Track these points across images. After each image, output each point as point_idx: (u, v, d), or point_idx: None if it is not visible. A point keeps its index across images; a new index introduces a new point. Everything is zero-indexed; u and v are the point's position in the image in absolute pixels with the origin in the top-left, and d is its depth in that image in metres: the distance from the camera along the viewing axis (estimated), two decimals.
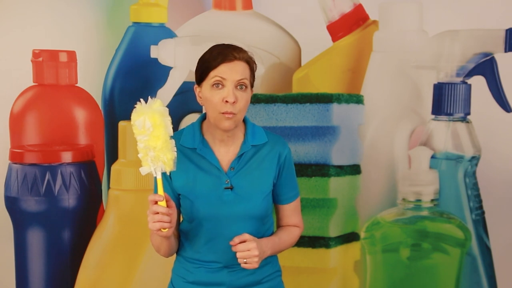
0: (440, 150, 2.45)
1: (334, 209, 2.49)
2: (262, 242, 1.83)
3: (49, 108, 2.73)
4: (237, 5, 3.01)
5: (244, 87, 1.81)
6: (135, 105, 1.72)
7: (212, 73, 1.80)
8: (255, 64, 1.86)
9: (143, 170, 1.74)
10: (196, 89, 1.86)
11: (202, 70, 1.82)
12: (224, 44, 1.84)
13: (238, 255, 1.79)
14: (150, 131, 1.70)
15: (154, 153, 1.71)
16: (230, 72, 1.79)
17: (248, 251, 1.78)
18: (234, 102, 1.78)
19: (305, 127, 2.50)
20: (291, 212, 1.95)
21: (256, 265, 1.80)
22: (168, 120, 1.73)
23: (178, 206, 1.90)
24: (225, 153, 1.87)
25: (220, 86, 1.79)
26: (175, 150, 1.74)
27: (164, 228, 1.74)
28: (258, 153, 1.88)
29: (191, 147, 1.87)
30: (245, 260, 1.79)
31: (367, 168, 2.61)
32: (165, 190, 1.80)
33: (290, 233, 1.95)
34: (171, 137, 1.74)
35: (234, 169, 1.86)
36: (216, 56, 1.80)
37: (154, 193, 1.77)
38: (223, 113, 1.79)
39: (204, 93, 1.82)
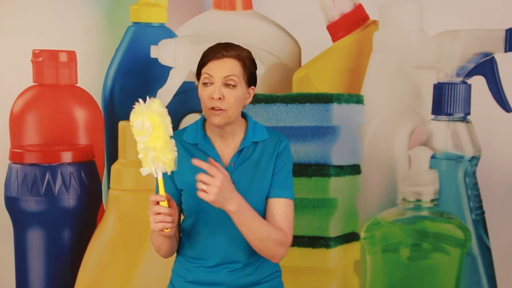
0: (440, 150, 2.45)
1: (334, 209, 2.49)
2: (234, 189, 1.76)
3: (49, 108, 2.73)
4: (237, 5, 3.01)
5: (231, 84, 1.81)
6: (134, 106, 1.72)
7: (203, 71, 1.83)
8: (250, 61, 1.86)
9: (144, 171, 1.74)
10: (198, 87, 1.89)
11: (197, 69, 1.86)
12: (219, 43, 1.87)
13: (202, 177, 1.71)
14: (149, 132, 1.70)
15: (154, 153, 1.71)
16: (218, 69, 1.81)
17: (213, 177, 1.71)
18: (220, 99, 1.80)
19: (305, 127, 2.49)
20: (279, 210, 1.87)
21: (211, 197, 1.71)
22: (168, 120, 1.73)
23: (179, 203, 1.90)
24: (226, 149, 1.88)
25: (209, 84, 1.82)
26: (176, 150, 1.74)
27: (166, 228, 1.74)
28: (259, 150, 1.89)
29: (193, 143, 1.88)
30: (204, 187, 1.71)
31: (367, 168, 2.61)
32: (166, 186, 1.80)
33: (271, 228, 1.83)
34: (171, 137, 1.74)
35: (234, 165, 1.87)
36: (207, 54, 1.84)
37: (155, 194, 1.77)
38: (210, 108, 1.81)
39: (199, 90, 1.85)
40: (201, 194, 1.72)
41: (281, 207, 1.88)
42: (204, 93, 1.82)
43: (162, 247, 1.87)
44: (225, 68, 1.81)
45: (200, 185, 1.72)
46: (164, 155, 1.72)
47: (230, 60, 1.82)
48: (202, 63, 1.84)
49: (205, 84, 1.82)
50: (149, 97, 1.74)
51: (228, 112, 1.81)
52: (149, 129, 1.69)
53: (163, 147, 1.71)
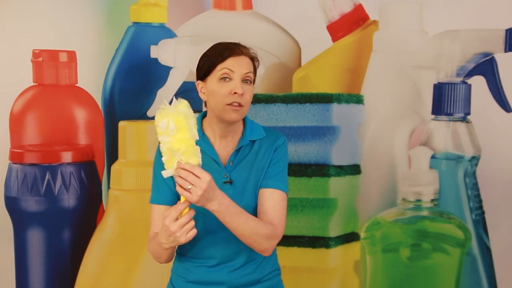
0: (440, 150, 2.45)
1: (334, 209, 2.49)
2: (217, 188, 1.73)
3: (49, 108, 2.73)
4: (237, 5, 3.01)
5: (249, 81, 1.84)
6: (161, 106, 1.69)
7: (220, 66, 1.82)
8: (258, 62, 1.89)
9: (166, 173, 1.71)
10: (199, 84, 1.87)
11: (208, 65, 1.84)
12: (222, 42, 1.87)
13: (189, 177, 1.67)
14: (173, 133, 1.68)
15: (180, 156, 1.68)
16: (238, 65, 1.82)
17: (199, 178, 1.68)
18: (242, 94, 1.80)
19: (305, 127, 2.49)
20: (273, 203, 1.85)
21: (194, 198, 1.68)
22: (193, 122, 1.71)
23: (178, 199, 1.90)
24: (225, 148, 1.88)
25: (228, 79, 1.81)
26: (200, 156, 1.71)
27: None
28: (256, 148, 1.89)
29: None
30: (189, 186, 1.67)
31: (367, 168, 2.61)
32: (168, 188, 1.81)
33: (259, 223, 1.80)
34: (197, 142, 1.71)
35: (233, 163, 1.87)
36: (223, 50, 1.83)
37: (173, 209, 1.72)
38: (229, 104, 1.80)
39: (210, 86, 1.83)
40: (184, 193, 1.69)
41: (275, 200, 1.86)
42: (223, 88, 1.81)
43: (165, 254, 1.84)
44: (244, 65, 1.83)
45: (184, 183, 1.68)
46: (187, 159, 1.69)
47: (246, 58, 1.84)
48: (218, 59, 1.82)
49: (223, 79, 1.81)
50: (176, 98, 1.71)
51: (244, 108, 1.83)
52: (173, 130, 1.67)
53: (186, 150, 1.69)
